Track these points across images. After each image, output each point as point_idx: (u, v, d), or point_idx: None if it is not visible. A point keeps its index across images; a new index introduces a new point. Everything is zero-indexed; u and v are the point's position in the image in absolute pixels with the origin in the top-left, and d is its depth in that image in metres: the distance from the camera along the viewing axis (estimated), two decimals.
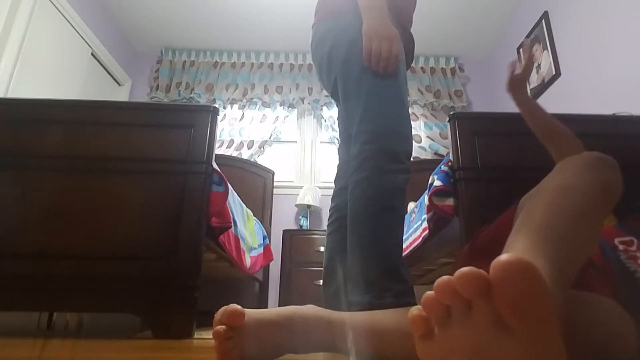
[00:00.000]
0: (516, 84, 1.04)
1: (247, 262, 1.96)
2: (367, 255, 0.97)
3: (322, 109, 3.70)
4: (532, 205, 0.53)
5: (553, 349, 0.29)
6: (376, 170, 1.03)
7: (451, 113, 1.45)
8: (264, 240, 2.52)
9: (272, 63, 3.76)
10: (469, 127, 1.42)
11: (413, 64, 3.70)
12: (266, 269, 3.05)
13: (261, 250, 2.39)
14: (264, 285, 3.06)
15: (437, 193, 1.40)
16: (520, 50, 3.14)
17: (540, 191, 0.55)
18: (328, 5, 1.26)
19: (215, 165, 1.44)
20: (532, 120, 1.04)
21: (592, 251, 0.53)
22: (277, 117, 3.55)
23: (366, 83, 1.11)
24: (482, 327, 0.30)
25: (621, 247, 0.71)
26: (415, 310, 0.34)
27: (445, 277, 0.32)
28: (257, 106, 3.58)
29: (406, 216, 2.13)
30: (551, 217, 0.48)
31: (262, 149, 3.47)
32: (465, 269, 0.30)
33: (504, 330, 0.29)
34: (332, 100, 3.59)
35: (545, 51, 2.77)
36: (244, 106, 3.58)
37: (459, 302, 0.31)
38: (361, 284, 0.95)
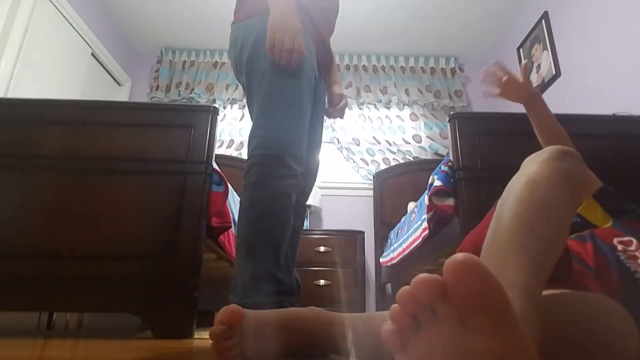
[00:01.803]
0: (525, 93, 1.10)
1: None
2: (243, 257, 1.02)
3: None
4: (502, 204, 0.54)
5: (515, 340, 0.30)
6: (263, 176, 1.07)
7: (451, 113, 1.45)
8: None
9: None
10: (469, 127, 1.42)
11: (413, 64, 3.70)
12: None
13: None
14: None
15: (437, 193, 1.40)
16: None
17: (509, 190, 0.56)
18: (242, 6, 1.29)
19: (215, 165, 1.44)
20: (536, 120, 1.08)
21: (566, 242, 0.54)
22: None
23: (266, 85, 1.14)
24: (449, 329, 0.31)
25: (620, 247, 0.71)
26: (386, 325, 0.34)
27: (404, 288, 0.32)
28: None
29: (406, 216, 2.13)
30: (521, 213, 0.49)
31: None
32: (420, 275, 0.31)
33: (469, 329, 0.30)
34: None
35: (545, 51, 2.77)
36: (244, 106, 3.58)
37: (423, 310, 0.32)
38: (236, 283, 1.00)
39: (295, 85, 1.14)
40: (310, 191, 1.40)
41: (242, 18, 1.25)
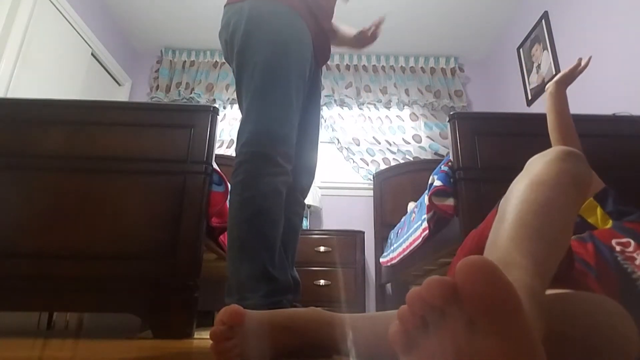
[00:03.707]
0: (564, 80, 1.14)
1: None
2: (237, 257, 1.00)
3: (321, 109, 3.69)
4: (506, 205, 0.53)
5: (526, 343, 0.30)
6: (252, 174, 1.05)
7: (451, 113, 1.45)
8: None
9: None
10: (469, 127, 1.41)
11: (413, 64, 3.70)
12: None
13: None
14: None
15: (437, 193, 1.40)
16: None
17: (512, 190, 0.56)
18: None
19: (215, 165, 1.44)
20: (554, 115, 1.11)
21: (569, 243, 0.54)
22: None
23: (257, 79, 1.11)
24: (458, 332, 0.31)
25: (618, 248, 0.71)
26: (394, 325, 0.34)
27: (414, 289, 0.32)
28: None
29: (406, 216, 2.13)
30: (525, 214, 0.49)
31: None
32: (431, 277, 0.31)
33: (478, 331, 0.30)
34: (332, 100, 3.59)
35: (545, 51, 2.77)
36: None
37: (432, 311, 0.32)
38: (231, 284, 0.99)
39: (287, 80, 1.12)
40: (309, 188, 1.38)
41: (235, 0, 1.23)
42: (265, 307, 0.91)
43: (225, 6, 1.27)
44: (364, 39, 1.42)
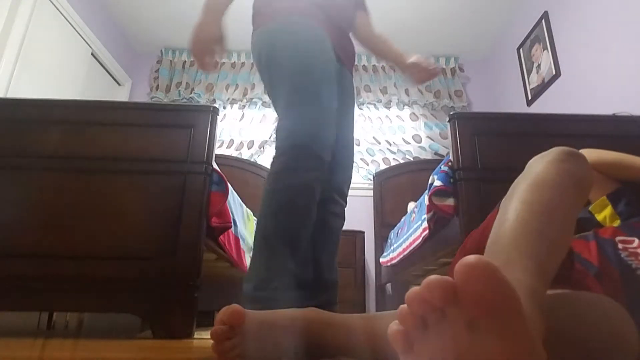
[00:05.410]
0: None
1: (248, 262, 1.96)
2: (260, 247, 1.04)
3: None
4: (507, 205, 0.53)
5: (526, 343, 0.30)
6: (285, 166, 1.07)
7: (451, 113, 1.45)
8: None
9: None
10: (469, 127, 1.42)
11: None
12: None
13: None
14: None
15: (437, 193, 1.40)
16: None
17: (513, 190, 0.56)
18: (255, 14, 1.33)
19: (215, 165, 1.44)
20: None
21: (570, 243, 0.54)
22: (277, 116, 3.54)
23: (286, 94, 1.16)
24: (458, 332, 0.30)
25: (621, 245, 0.71)
26: (393, 325, 0.34)
27: (414, 289, 0.32)
28: (257, 106, 3.58)
29: (406, 216, 2.13)
30: (526, 214, 0.49)
31: (262, 149, 3.47)
32: (430, 277, 0.31)
33: (478, 332, 0.30)
34: None
35: (545, 51, 2.77)
36: (244, 106, 3.58)
37: (433, 311, 0.31)
38: (251, 271, 1.03)
39: (316, 85, 1.15)
40: (348, 187, 1.35)
41: (254, 27, 1.31)
42: (277, 302, 0.91)
43: (252, 33, 1.34)
44: (418, 73, 1.45)
